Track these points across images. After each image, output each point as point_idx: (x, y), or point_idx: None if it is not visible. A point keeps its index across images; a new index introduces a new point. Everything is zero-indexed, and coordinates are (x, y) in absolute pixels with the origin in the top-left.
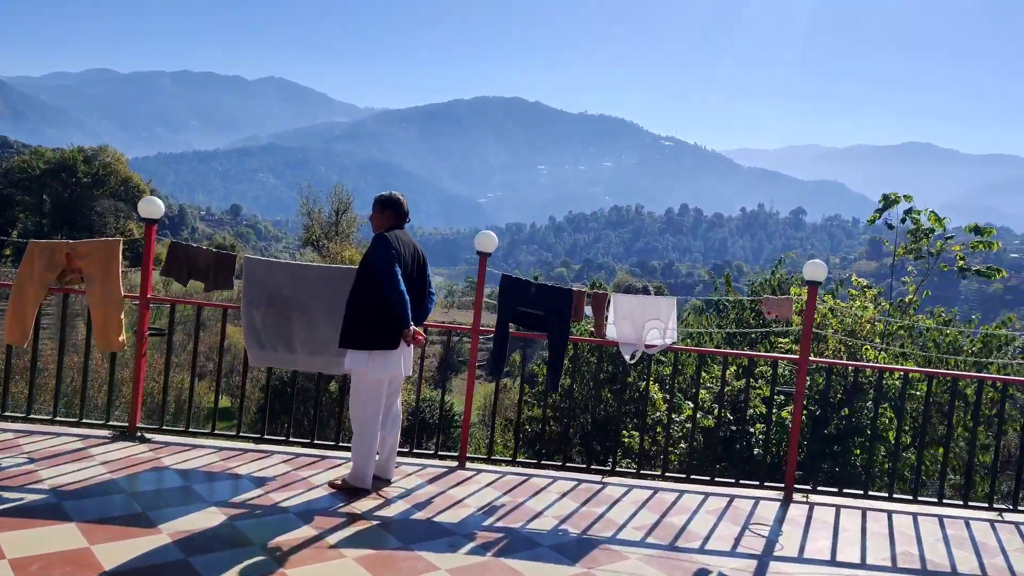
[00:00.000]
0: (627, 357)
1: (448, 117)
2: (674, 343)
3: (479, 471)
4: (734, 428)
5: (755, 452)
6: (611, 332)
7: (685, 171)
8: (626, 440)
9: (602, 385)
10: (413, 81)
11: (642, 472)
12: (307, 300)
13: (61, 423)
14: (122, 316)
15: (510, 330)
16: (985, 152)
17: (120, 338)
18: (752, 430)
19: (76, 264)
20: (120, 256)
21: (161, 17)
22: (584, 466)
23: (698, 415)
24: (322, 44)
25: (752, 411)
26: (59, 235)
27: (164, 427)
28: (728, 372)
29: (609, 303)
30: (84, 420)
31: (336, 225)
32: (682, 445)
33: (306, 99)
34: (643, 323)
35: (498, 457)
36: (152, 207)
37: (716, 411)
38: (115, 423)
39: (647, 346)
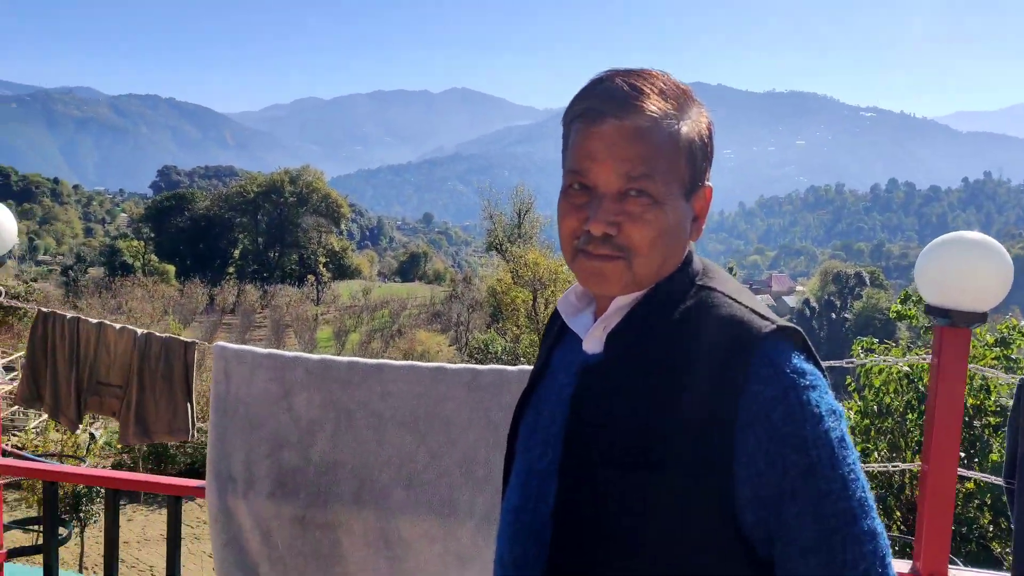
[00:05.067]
0: None
1: None
2: None
3: None
4: None
5: None
6: None
7: (892, 143)
8: None
9: None
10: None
11: None
12: (384, 464)
13: None
14: None
15: None
16: None
17: None
18: None
19: None
20: None
21: (358, 45)
22: None
23: None
24: (500, 51)
25: None
26: (273, 252)
27: None
28: None
29: None
30: None
31: (519, 227)
32: None
33: (487, 106)
34: None
35: None
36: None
37: None
38: None
39: None
